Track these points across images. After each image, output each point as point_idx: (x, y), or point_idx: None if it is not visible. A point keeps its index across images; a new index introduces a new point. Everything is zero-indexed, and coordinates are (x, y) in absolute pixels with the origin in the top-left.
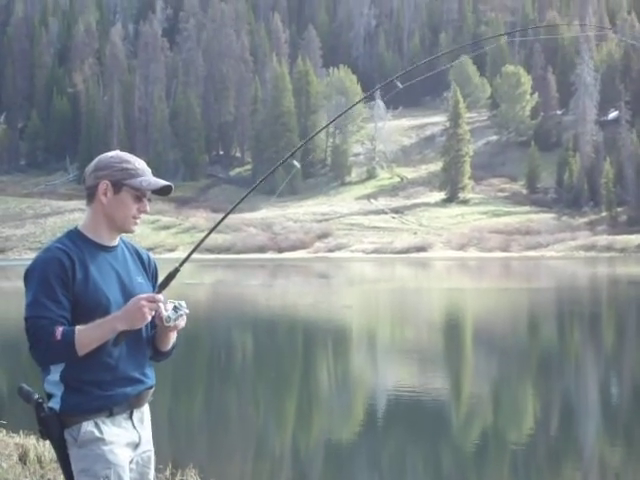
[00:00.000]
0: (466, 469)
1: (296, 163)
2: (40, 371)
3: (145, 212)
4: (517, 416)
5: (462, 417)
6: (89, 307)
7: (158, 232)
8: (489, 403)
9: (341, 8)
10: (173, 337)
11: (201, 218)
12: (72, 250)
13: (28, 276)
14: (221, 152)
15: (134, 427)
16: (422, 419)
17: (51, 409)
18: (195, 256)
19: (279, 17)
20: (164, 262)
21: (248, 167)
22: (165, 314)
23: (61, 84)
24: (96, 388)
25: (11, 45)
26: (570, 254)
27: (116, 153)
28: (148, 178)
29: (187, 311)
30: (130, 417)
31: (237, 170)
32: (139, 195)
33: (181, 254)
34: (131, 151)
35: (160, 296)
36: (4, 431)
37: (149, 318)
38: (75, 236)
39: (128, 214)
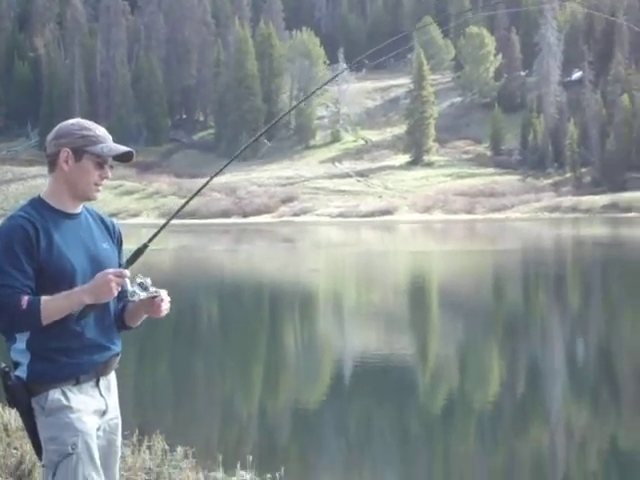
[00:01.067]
0: (433, 431)
1: (267, 142)
2: (4, 340)
3: (107, 178)
4: (483, 378)
5: (429, 379)
6: (54, 275)
7: (121, 197)
8: (455, 365)
9: None
10: (144, 317)
11: (164, 183)
12: (36, 218)
13: None
14: (184, 116)
15: (101, 395)
16: (389, 381)
17: (18, 378)
18: (160, 221)
19: None
20: (128, 227)
21: (211, 131)
22: (130, 289)
23: (22, 49)
24: (63, 356)
25: None
26: (535, 215)
27: (77, 120)
28: (109, 144)
29: (153, 288)
30: (97, 385)
31: (200, 134)
32: (100, 162)
33: (145, 219)
34: (93, 115)
35: (127, 271)
36: None
37: (115, 293)
38: (38, 204)
39: (90, 181)
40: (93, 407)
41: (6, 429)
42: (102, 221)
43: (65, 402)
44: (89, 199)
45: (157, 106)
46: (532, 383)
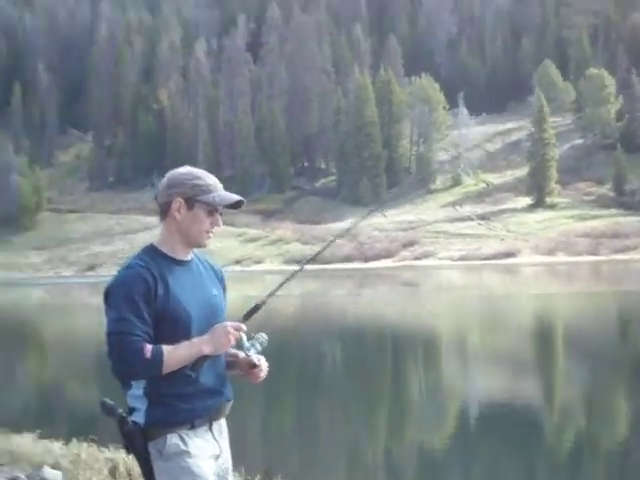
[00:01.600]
0: (560, 476)
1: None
2: (119, 386)
3: (218, 226)
4: (611, 422)
5: (555, 425)
6: (170, 321)
7: (245, 245)
8: (582, 409)
9: (422, 16)
10: (238, 373)
11: (287, 230)
12: (152, 266)
13: (111, 293)
14: (306, 164)
15: (214, 439)
16: (514, 427)
17: (135, 423)
18: (284, 268)
19: (360, 27)
20: (251, 274)
21: (333, 178)
22: (247, 344)
23: (146, 101)
24: (179, 401)
25: (96, 64)
26: None
27: (187, 169)
28: (220, 193)
29: (266, 338)
30: (210, 429)
31: (322, 181)
32: (211, 210)
33: (268, 266)
34: (217, 165)
35: (244, 326)
36: (94, 446)
37: (232, 344)
38: (152, 252)
39: (202, 229)
40: (209, 452)
41: (129, 474)
42: (211, 267)
43: (183, 447)
44: (200, 246)
45: (279, 155)
46: None
